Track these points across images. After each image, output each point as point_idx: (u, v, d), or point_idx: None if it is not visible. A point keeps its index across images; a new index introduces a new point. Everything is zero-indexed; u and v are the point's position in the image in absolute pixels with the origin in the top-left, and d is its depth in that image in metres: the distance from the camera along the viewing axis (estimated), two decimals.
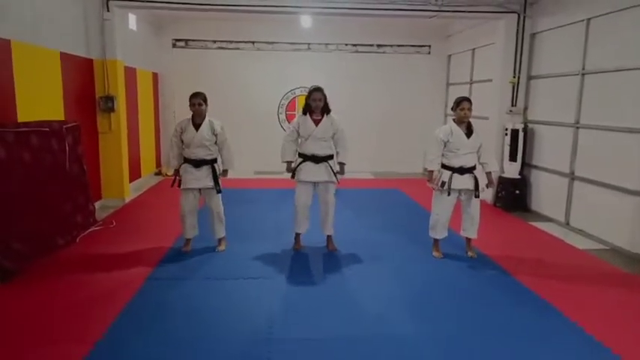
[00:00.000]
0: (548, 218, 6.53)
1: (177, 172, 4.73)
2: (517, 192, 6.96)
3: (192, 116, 4.63)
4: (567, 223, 6.14)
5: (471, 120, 4.66)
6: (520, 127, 6.93)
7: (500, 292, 4.02)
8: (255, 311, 3.58)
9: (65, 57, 5.89)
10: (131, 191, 7.55)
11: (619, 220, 5.25)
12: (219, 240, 4.93)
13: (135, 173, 8.24)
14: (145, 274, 4.25)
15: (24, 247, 4.39)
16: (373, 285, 4.13)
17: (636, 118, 5.04)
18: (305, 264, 4.64)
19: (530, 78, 7.15)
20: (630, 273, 4.57)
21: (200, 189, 4.72)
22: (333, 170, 4.71)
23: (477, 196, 4.67)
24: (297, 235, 4.99)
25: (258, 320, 3.44)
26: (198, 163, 4.62)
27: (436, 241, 4.88)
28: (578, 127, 5.98)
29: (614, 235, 5.32)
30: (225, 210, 4.90)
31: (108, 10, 6.60)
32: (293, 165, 4.78)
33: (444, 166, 4.66)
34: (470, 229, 4.80)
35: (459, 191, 4.67)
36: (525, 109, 7.22)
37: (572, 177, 6.09)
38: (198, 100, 4.55)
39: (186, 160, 4.65)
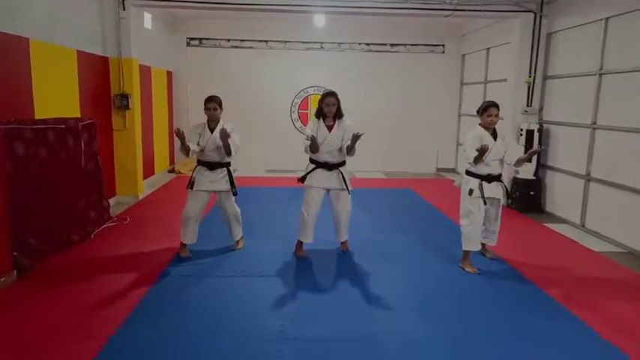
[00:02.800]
0: (563, 220, 6.45)
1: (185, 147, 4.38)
2: (531, 193, 6.89)
3: (208, 120, 4.57)
4: (583, 225, 6.06)
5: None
6: (535, 127, 6.84)
7: (513, 295, 3.97)
8: (267, 309, 3.60)
9: (81, 55, 5.96)
10: (145, 188, 7.63)
11: (636, 223, 5.16)
12: (237, 241, 4.94)
13: (149, 170, 8.32)
14: (159, 271, 4.29)
15: (39, 243, 4.46)
16: (384, 285, 4.11)
17: None
18: (317, 263, 4.64)
19: (545, 78, 7.06)
20: None
21: (214, 192, 4.67)
22: (344, 178, 4.53)
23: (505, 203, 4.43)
24: (301, 242, 4.76)
25: (269, 318, 3.45)
26: (212, 166, 4.59)
27: (468, 253, 4.50)
28: (595, 128, 5.89)
29: (631, 238, 5.23)
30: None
31: (124, 9, 6.67)
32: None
33: (471, 174, 4.40)
34: (492, 236, 4.65)
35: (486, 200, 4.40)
36: (541, 109, 7.14)
37: (588, 178, 6.00)
38: (213, 105, 4.50)
39: (201, 163, 4.63)
